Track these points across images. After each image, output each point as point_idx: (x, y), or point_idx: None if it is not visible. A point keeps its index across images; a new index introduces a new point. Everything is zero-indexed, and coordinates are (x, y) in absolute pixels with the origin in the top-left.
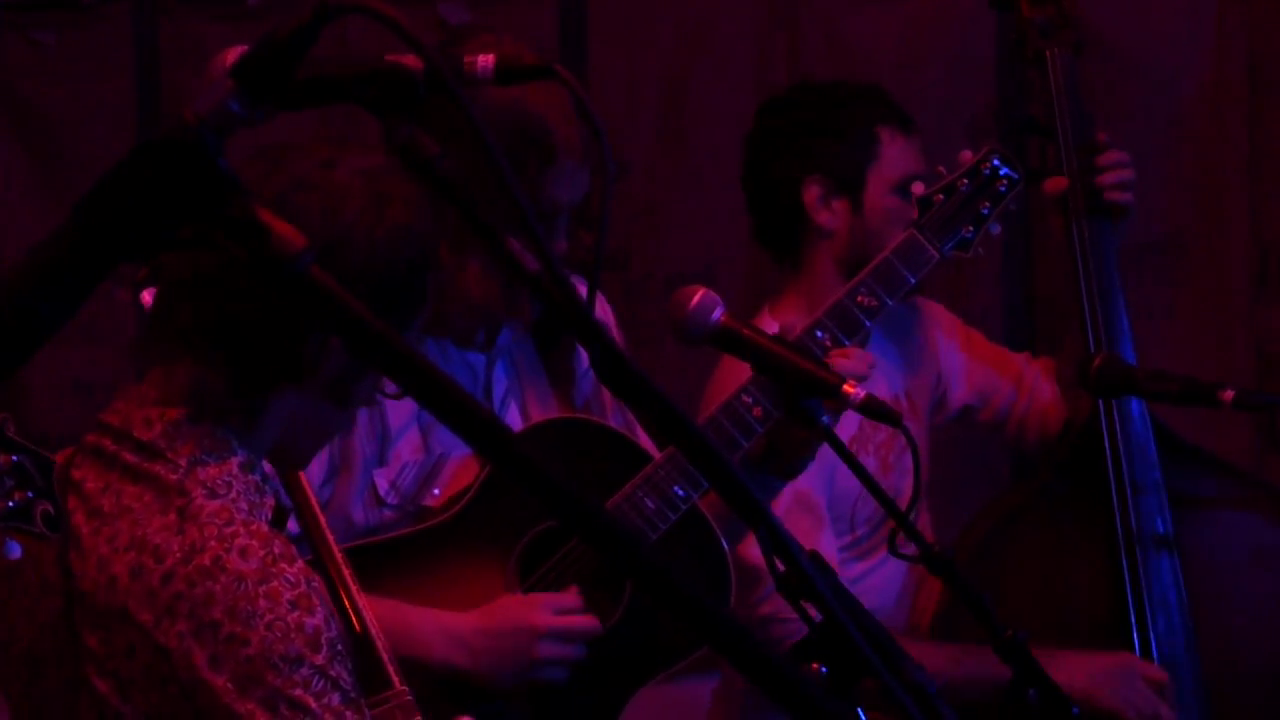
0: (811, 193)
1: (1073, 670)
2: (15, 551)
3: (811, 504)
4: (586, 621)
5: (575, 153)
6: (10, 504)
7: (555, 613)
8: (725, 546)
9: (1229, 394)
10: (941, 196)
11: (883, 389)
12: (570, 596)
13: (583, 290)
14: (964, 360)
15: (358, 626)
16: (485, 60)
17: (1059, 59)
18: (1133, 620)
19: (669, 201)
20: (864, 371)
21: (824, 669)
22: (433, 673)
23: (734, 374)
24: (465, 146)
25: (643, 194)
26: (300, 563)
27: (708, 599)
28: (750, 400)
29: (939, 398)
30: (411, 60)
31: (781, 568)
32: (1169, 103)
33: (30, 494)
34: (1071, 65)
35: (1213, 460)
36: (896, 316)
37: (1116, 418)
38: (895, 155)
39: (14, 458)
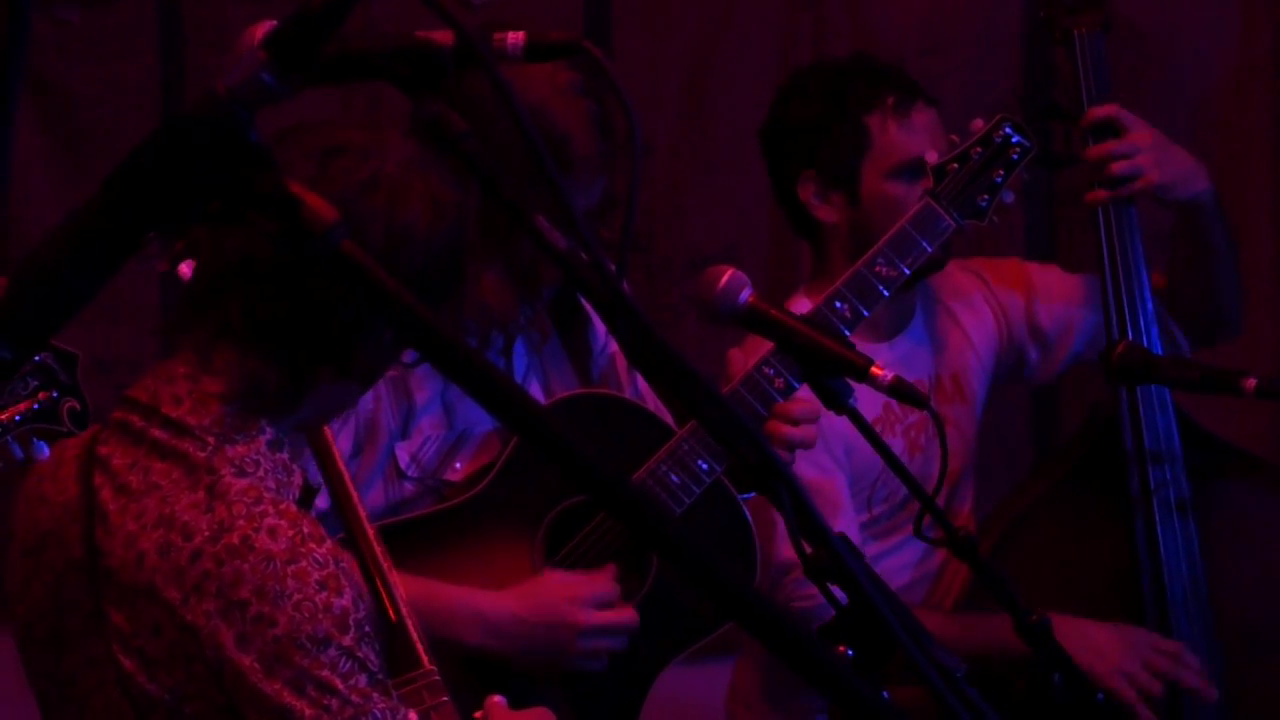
0: (807, 189)
1: (1078, 642)
2: (44, 452)
3: (821, 489)
4: (626, 616)
5: (592, 165)
6: (35, 405)
7: (595, 607)
8: (751, 522)
9: (1251, 381)
10: (955, 165)
11: (916, 374)
12: (607, 583)
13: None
14: (1060, 311)
15: (388, 605)
16: (515, 37)
17: (1087, 38)
18: (1146, 586)
19: (691, 183)
20: (813, 416)
21: (850, 652)
22: (465, 652)
23: (741, 346)
24: (491, 131)
25: (665, 176)
26: (329, 543)
27: (736, 575)
28: (772, 372)
29: (1020, 361)
30: (441, 37)
31: (809, 549)
32: (1194, 88)
33: (55, 393)
34: (1100, 45)
35: (1234, 448)
36: (963, 294)
37: (1140, 404)
38: (889, 143)
39: (36, 357)
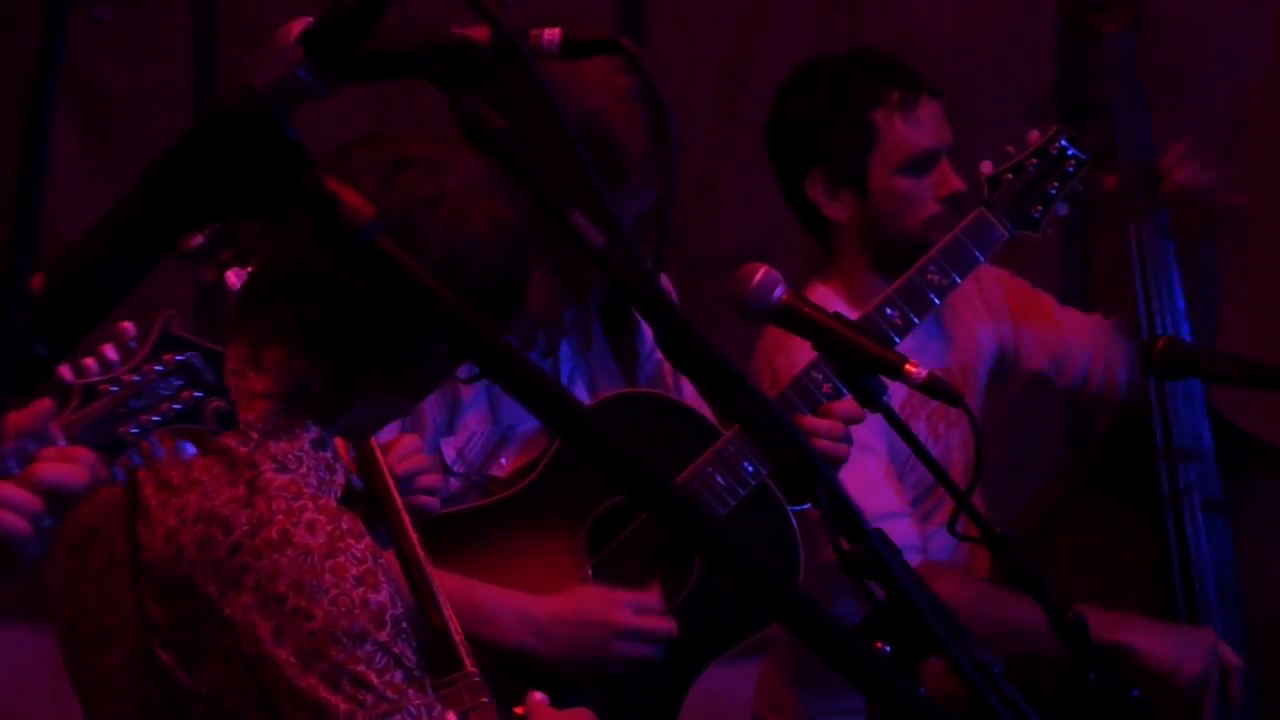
0: (816, 187)
1: (1160, 639)
2: (189, 452)
3: (867, 469)
4: (664, 624)
5: (645, 173)
6: (177, 406)
7: (635, 612)
8: (794, 524)
9: None
10: (1010, 176)
11: (930, 365)
12: (653, 596)
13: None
14: (1038, 328)
15: (430, 606)
16: (551, 34)
17: (1115, 37)
18: (1179, 584)
19: (726, 181)
20: (841, 432)
21: (888, 648)
22: (502, 652)
23: (779, 349)
24: (534, 129)
25: (700, 173)
26: (367, 539)
27: (779, 573)
28: (820, 377)
29: (1005, 367)
30: (478, 33)
31: (845, 545)
32: (1230, 85)
33: (199, 393)
34: (1129, 43)
35: (1264, 445)
36: (959, 291)
37: (1169, 403)
38: (895, 137)
39: (179, 356)
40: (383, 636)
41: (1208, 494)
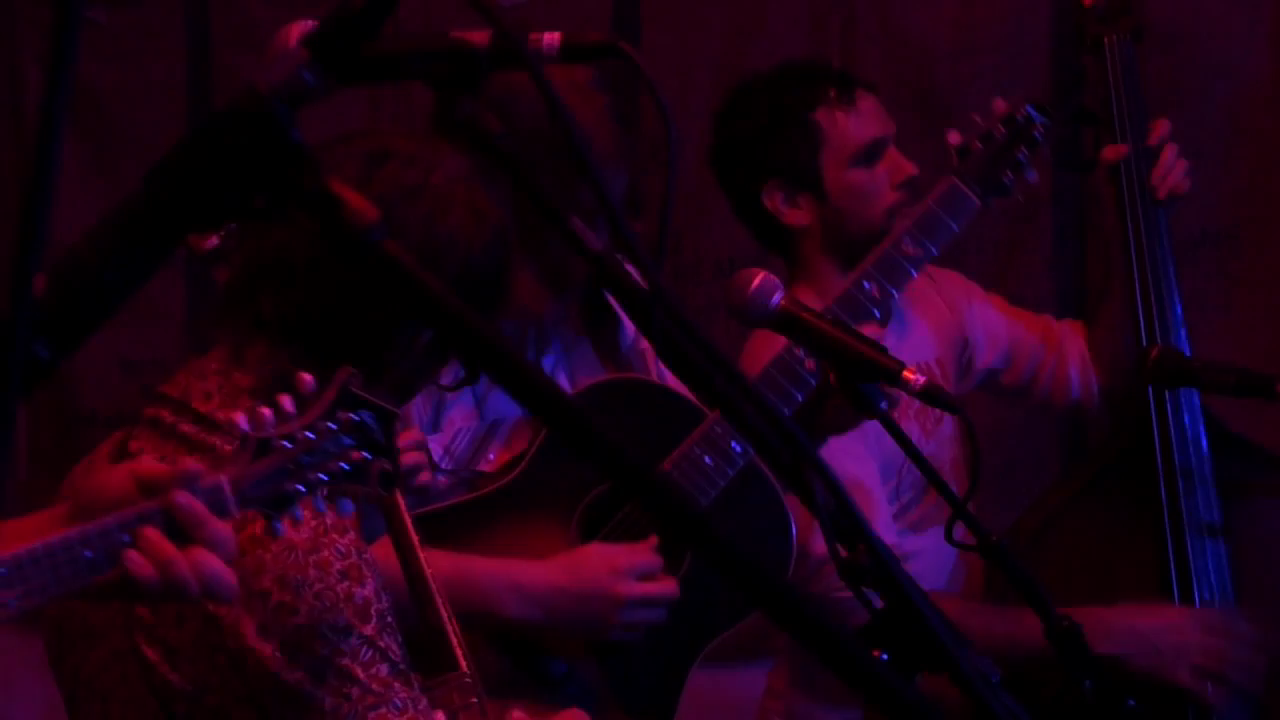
0: (773, 198)
1: (1113, 628)
2: (348, 510)
3: (861, 486)
4: (667, 588)
5: (611, 161)
6: (345, 466)
7: (637, 578)
8: (785, 502)
9: None
10: (979, 144)
11: (914, 358)
12: (649, 554)
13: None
14: (989, 322)
15: (427, 605)
16: (550, 38)
17: (1118, 46)
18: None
19: (719, 186)
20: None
21: (884, 655)
22: (501, 626)
23: (766, 351)
24: (517, 131)
25: (693, 178)
26: (352, 534)
27: (765, 564)
28: (803, 353)
29: (965, 363)
30: (476, 37)
31: (844, 552)
32: (1226, 94)
33: (368, 454)
34: (1130, 53)
35: (1262, 451)
36: (918, 287)
37: (1168, 408)
38: (841, 133)
39: (354, 416)
40: (368, 630)
41: (1207, 517)
